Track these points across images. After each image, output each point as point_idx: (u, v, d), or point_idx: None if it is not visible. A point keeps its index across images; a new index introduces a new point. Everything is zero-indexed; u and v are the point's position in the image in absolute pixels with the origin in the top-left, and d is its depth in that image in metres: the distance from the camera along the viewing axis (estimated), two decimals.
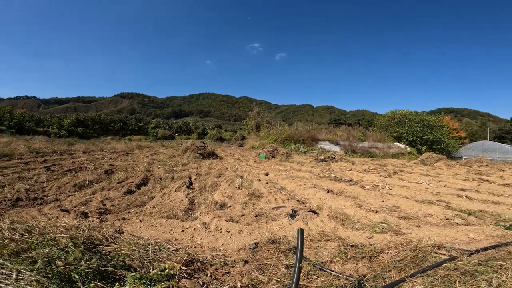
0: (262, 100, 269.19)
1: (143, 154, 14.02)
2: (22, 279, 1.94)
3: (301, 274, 2.48)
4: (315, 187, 6.54)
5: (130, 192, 5.51)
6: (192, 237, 3.36)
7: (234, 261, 2.69)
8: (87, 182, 6.13)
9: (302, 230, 0.86)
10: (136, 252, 2.46)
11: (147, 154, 14.06)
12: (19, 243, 2.33)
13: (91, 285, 1.94)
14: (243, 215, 4.30)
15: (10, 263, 2.13)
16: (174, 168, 9.39)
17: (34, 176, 6.51)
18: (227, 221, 3.89)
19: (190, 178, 7.45)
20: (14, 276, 1.98)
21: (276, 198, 5.60)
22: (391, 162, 13.92)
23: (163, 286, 2.14)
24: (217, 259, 2.72)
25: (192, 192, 5.74)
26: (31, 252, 2.19)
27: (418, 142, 23.55)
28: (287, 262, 2.65)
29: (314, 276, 2.42)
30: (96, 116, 31.06)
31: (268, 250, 2.93)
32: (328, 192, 6.04)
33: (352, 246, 3.06)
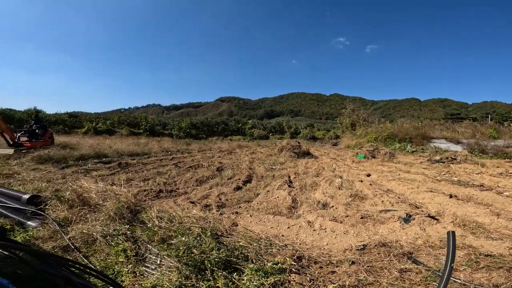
0: (355, 96, 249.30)
1: (243, 153, 15.34)
2: (163, 264, 2.43)
3: (417, 280, 2.34)
4: (431, 191, 5.72)
5: (238, 188, 6.17)
6: (298, 234, 3.50)
7: (340, 260, 2.70)
8: (204, 177, 7.21)
9: (453, 232, 0.79)
10: (251, 245, 2.74)
11: (246, 153, 15.31)
12: (165, 231, 2.93)
13: (219, 273, 2.29)
14: (347, 216, 4.20)
15: (157, 249, 2.70)
16: (273, 167, 9.90)
17: (167, 171, 8.12)
18: (331, 220, 3.90)
19: (289, 176, 7.72)
20: (158, 261, 2.50)
21: (383, 201, 5.20)
22: None
23: (275, 278, 2.33)
24: (322, 258, 2.78)
25: (293, 190, 5.94)
26: (173, 240, 2.71)
27: None
28: (401, 266, 2.50)
29: (434, 283, 2.24)
30: (204, 119, 36.05)
31: (378, 253, 2.82)
32: (450, 197, 5.18)
33: (486, 255, 2.63)
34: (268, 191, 5.81)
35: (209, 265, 2.27)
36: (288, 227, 3.60)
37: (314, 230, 3.50)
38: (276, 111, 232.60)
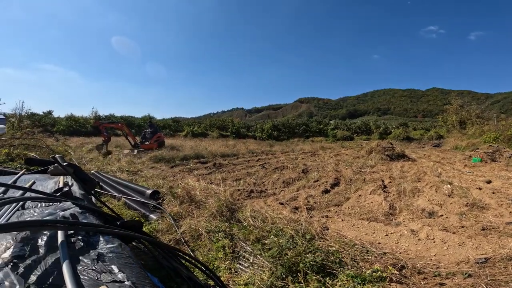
0: (461, 89, 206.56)
1: (327, 155, 14.83)
2: (256, 263, 2.52)
3: None
4: None
5: (326, 191, 6.01)
6: (398, 243, 3.20)
7: (452, 273, 2.42)
8: (291, 179, 7.31)
9: None
10: (345, 250, 2.63)
11: (330, 155, 14.74)
12: (259, 230, 3.06)
13: (312, 277, 2.25)
14: (462, 227, 3.63)
15: (251, 248, 2.81)
16: (362, 170, 9.24)
17: (255, 172, 8.58)
18: (440, 230, 3.42)
19: (383, 181, 7.06)
20: (251, 260, 2.61)
21: (511, 212, 4.23)
22: None
23: (374, 287, 2.18)
24: (429, 269, 2.52)
25: (389, 196, 5.41)
26: (266, 240, 2.82)
27: None
28: None
29: None
30: (285, 121, 36.57)
31: (505, 267, 2.42)
32: None
33: None
34: (359, 195, 5.46)
35: (303, 268, 2.28)
36: (386, 235, 3.31)
37: (419, 240, 3.13)
38: (360, 110, 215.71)
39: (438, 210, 4.34)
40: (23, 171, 4.02)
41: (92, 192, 3.65)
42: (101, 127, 13.14)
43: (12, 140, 15.02)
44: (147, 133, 14.76)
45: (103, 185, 6.13)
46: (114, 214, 2.57)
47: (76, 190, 2.76)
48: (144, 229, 3.68)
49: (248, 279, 2.33)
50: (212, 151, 13.36)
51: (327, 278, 2.27)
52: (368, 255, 2.58)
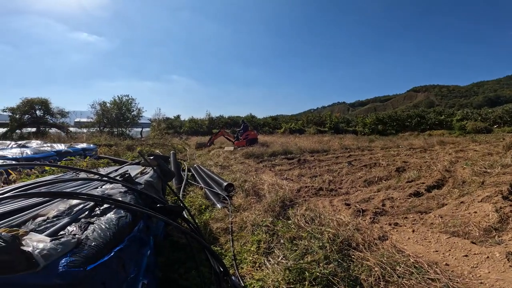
0: None
1: (444, 151, 12.12)
2: (281, 263, 2.33)
3: None
4: None
5: (417, 194, 4.94)
6: (476, 267, 2.31)
7: None
8: (376, 178, 6.40)
9: None
10: (381, 268, 2.10)
11: (450, 151, 11.97)
12: (299, 230, 2.85)
13: None
14: None
15: (284, 246, 2.66)
16: (488, 170, 7.07)
17: (339, 169, 7.96)
18: None
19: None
20: (279, 259, 2.44)
21: None
22: None
23: None
24: None
25: (509, 205, 3.95)
26: (301, 241, 2.58)
27: None
28: None
29: None
30: (392, 114, 32.01)
31: None
32: None
33: None
34: (461, 202, 4.21)
35: (308, 278, 2.00)
36: (466, 255, 2.44)
37: (511, 267, 2.18)
38: (505, 96, 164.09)
39: None
40: (129, 161, 5.27)
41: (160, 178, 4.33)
42: (213, 138, 17.28)
43: (148, 140, 19.48)
44: (238, 132, 16.41)
45: (196, 177, 7.17)
46: (161, 199, 2.94)
47: (145, 178, 3.35)
48: (203, 217, 4.07)
49: (263, 276, 2.25)
50: (302, 147, 13.22)
51: None
52: (410, 279, 1.96)
